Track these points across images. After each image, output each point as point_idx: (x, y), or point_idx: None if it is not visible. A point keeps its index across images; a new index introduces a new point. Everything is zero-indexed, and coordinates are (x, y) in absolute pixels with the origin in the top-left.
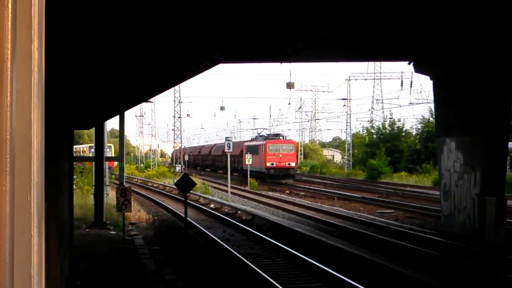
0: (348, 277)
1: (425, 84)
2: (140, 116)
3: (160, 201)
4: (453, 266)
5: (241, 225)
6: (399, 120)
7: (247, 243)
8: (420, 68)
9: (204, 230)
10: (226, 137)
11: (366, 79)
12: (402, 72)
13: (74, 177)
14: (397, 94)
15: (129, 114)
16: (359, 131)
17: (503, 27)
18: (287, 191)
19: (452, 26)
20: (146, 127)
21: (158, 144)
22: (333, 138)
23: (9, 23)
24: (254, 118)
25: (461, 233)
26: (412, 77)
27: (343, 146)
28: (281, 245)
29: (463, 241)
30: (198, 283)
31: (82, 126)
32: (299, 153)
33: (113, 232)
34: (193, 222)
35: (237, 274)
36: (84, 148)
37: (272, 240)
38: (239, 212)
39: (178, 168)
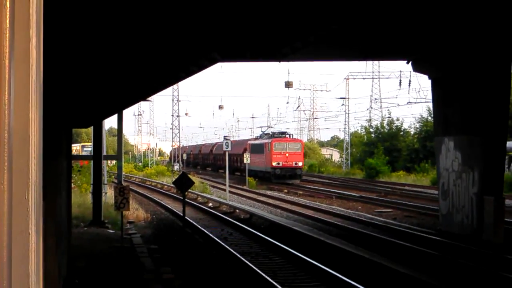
0: (346, 276)
1: (423, 83)
2: (139, 114)
3: (158, 200)
4: (451, 265)
5: (239, 224)
6: (397, 119)
7: (245, 242)
8: (418, 67)
9: (202, 229)
10: (224, 136)
11: (364, 78)
12: (400, 71)
13: (73, 175)
14: (395, 93)
15: (128, 112)
16: (358, 130)
17: (502, 26)
18: (285, 190)
19: (450, 25)
20: (144, 125)
21: (156, 143)
22: (331, 137)
23: (7, 21)
24: (252, 117)
25: (459, 232)
26: (410, 76)
27: (342, 145)
28: (279, 244)
29: (461, 241)
30: (196, 282)
31: (81, 125)
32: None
33: (111, 231)
34: (191, 221)
35: (235, 273)
36: (78, 147)
37: (270, 239)
38: (237, 211)
39: (176, 167)
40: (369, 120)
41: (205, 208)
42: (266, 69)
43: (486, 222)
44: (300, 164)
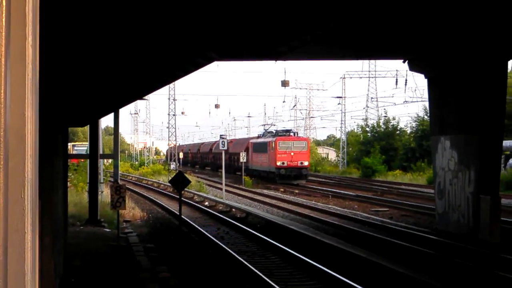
0: (342, 275)
1: (419, 82)
2: (135, 113)
3: (154, 199)
4: (447, 264)
5: (236, 223)
6: (393, 119)
7: (242, 241)
8: (415, 67)
9: (198, 227)
10: (220, 135)
11: (361, 77)
12: (397, 70)
13: (69, 174)
14: (392, 93)
15: (124, 111)
16: (354, 129)
17: (498, 26)
18: (282, 189)
19: (447, 25)
20: (140, 124)
21: (152, 142)
22: (327, 136)
23: (3, 20)
24: (248, 116)
25: (456, 231)
26: (407, 76)
27: (338, 144)
28: (275, 243)
29: (458, 240)
30: (192, 280)
31: (77, 124)
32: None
33: (107, 230)
34: (188, 220)
35: (232, 271)
36: (69, 146)
37: (266, 238)
38: (233, 210)
39: (172, 166)
40: (366, 119)
41: (202, 207)
42: (263, 68)
43: (482, 221)
44: (306, 163)
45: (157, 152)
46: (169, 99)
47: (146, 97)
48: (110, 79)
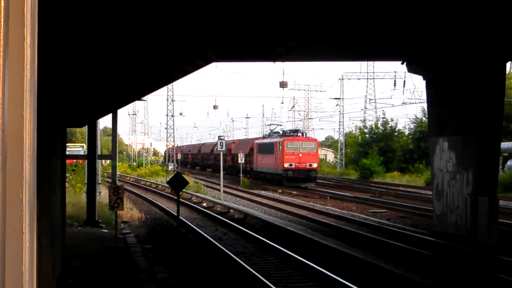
0: (340, 277)
1: (418, 84)
2: (133, 114)
3: (152, 200)
4: (445, 266)
5: (234, 224)
6: (392, 120)
7: (240, 242)
8: (413, 68)
9: (196, 228)
10: (219, 136)
11: (359, 79)
12: (395, 71)
13: (67, 175)
14: (390, 94)
15: (122, 112)
16: (352, 130)
17: (496, 28)
18: (280, 190)
19: (445, 26)
20: (139, 125)
21: (151, 143)
22: (326, 138)
23: (2, 20)
24: (247, 117)
25: (453, 233)
26: (405, 77)
27: (336, 145)
28: (273, 244)
29: (455, 241)
30: (190, 282)
31: (75, 124)
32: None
33: (105, 231)
34: (186, 221)
35: (230, 273)
36: None
37: (264, 239)
38: (231, 211)
39: (170, 167)
40: (364, 121)
41: (200, 208)
42: (261, 69)
43: (480, 223)
44: (315, 165)
45: (155, 153)
46: (167, 100)
47: (144, 98)
48: (109, 80)
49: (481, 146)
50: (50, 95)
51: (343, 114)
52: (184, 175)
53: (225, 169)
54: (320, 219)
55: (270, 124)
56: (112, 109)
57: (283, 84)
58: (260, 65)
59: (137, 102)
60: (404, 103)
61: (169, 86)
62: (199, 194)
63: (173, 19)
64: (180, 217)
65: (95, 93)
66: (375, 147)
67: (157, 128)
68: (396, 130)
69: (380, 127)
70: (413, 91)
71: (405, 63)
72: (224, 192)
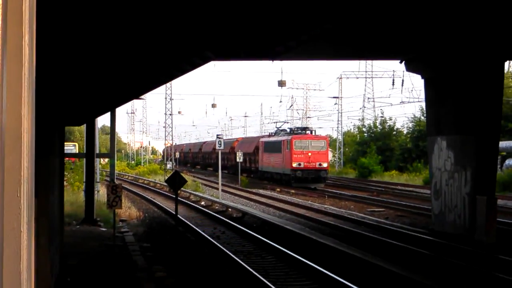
0: (338, 275)
1: (416, 83)
2: (132, 113)
3: (151, 198)
4: (443, 265)
5: (232, 222)
6: (390, 119)
7: (238, 241)
8: (411, 67)
9: (194, 227)
10: (217, 135)
11: (357, 78)
12: (393, 70)
13: (65, 173)
14: (388, 93)
15: (121, 111)
16: (350, 129)
17: (495, 27)
18: (278, 189)
19: (444, 26)
20: (137, 124)
21: (149, 141)
22: None
23: (0, 18)
24: (245, 116)
25: (452, 232)
26: (403, 76)
27: (334, 144)
28: (271, 242)
29: (454, 240)
30: (188, 280)
31: (73, 123)
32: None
33: (103, 229)
34: (184, 219)
35: (228, 271)
36: None
37: (262, 238)
38: (229, 209)
39: (169, 166)
40: (362, 120)
41: (198, 206)
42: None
43: (479, 222)
44: (325, 165)
45: (153, 152)
46: (165, 98)
47: (142, 96)
48: (107, 79)
49: (480, 145)
50: (48, 94)
51: (341, 113)
52: (182, 174)
53: (228, 168)
54: (318, 217)
55: (277, 122)
56: (111, 107)
57: (281, 83)
58: (258, 64)
59: (135, 101)
60: (402, 102)
61: (168, 84)
62: (197, 193)
63: (171, 18)
64: (178, 216)
65: (94, 91)
66: (374, 146)
67: (155, 127)
68: (395, 129)
69: (379, 126)
70: (412, 90)
71: (403, 62)
72: (223, 191)
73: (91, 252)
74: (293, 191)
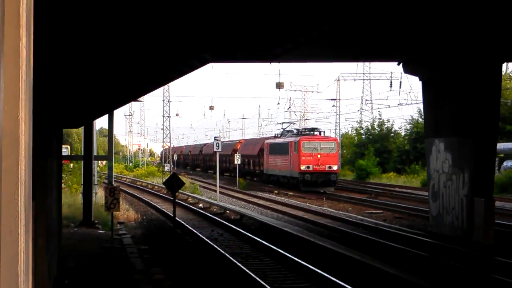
0: (336, 277)
1: (414, 84)
2: (129, 115)
3: (148, 201)
4: (441, 267)
5: (230, 224)
6: (388, 121)
7: (236, 243)
8: (409, 69)
9: (192, 229)
10: (215, 137)
11: (355, 80)
12: (391, 72)
13: (63, 176)
14: (386, 95)
15: (118, 113)
16: (348, 131)
17: (492, 28)
18: (276, 191)
19: (441, 27)
20: (135, 126)
21: (147, 144)
22: None
23: None
24: (243, 118)
25: (450, 234)
26: (401, 78)
27: None
28: (269, 245)
29: (452, 242)
30: (186, 282)
31: (71, 125)
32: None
33: (101, 231)
34: (182, 222)
35: (226, 273)
36: None
37: (260, 240)
38: (227, 211)
39: (167, 168)
40: (360, 122)
41: (196, 209)
42: (257, 70)
43: (477, 224)
44: (335, 168)
45: (151, 154)
46: (163, 100)
47: (140, 98)
48: (105, 81)
49: (477, 147)
50: (46, 96)
51: (339, 115)
52: (180, 176)
53: (230, 171)
54: (316, 219)
55: (283, 123)
56: (108, 110)
57: (279, 85)
58: (256, 66)
59: (133, 103)
60: (400, 104)
61: (165, 87)
62: (195, 195)
63: (169, 20)
64: (176, 218)
65: (91, 94)
66: (371, 148)
67: (153, 129)
68: (392, 131)
69: (376, 128)
70: (409, 92)
71: (401, 64)
72: (221, 193)
73: (89, 254)
74: (291, 193)
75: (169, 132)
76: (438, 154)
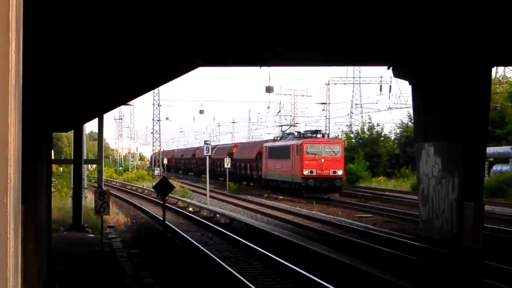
0: (326, 281)
1: (404, 89)
2: (119, 119)
3: (138, 204)
4: (431, 270)
5: (220, 228)
6: (378, 125)
7: (225, 247)
8: (399, 73)
9: (182, 233)
10: (205, 141)
11: (345, 84)
12: (381, 76)
13: (53, 179)
14: (376, 99)
15: (108, 116)
16: (338, 135)
17: (482, 33)
18: (266, 195)
19: (431, 32)
20: (125, 130)
21: (137, 147)
22: None
23: None
24: (233, 122)
25: (439, 238)
26: (391, 82)
27: None
28: (259, 249)
29: (441, 246)
30: (176, 286)
31: (61, 129)
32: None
33: (91, 235)
34: (172, 226)
35: (215, 277)
36: None
37: (250, 244)
38: (217, 215)
39: (156, 172)
40: (350, 125)
41: (186, 212)
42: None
43: (466, 228)
44: (340, 172)
45: (141, 158)
46: (153, 104)
47: (130, 102)
48: (95, 85)
49: (467, 151)
50: (35, 100)
51: (329, 119)
52: (170, 180)
53: (224, 176)
54: (306, 223)
55: (282, 125)
56: (98, 113)
57: (269, 89)
58: (246, 70)
59: (123, 107)
60: (390, 108)
61: (155, 90)
62: (185, 199)
63: (159, 24)
64: (166, 222)
65: (81, 97)
66: (361, 152)
67: (143, 133)
68: (382, 135)
69: (366, 132)
70: (399, 96)
71: (391, 68)
72: (211, 197)
73: (78, 258)
74: (281, 197)
75: (159, 136)
76: (428, 158)
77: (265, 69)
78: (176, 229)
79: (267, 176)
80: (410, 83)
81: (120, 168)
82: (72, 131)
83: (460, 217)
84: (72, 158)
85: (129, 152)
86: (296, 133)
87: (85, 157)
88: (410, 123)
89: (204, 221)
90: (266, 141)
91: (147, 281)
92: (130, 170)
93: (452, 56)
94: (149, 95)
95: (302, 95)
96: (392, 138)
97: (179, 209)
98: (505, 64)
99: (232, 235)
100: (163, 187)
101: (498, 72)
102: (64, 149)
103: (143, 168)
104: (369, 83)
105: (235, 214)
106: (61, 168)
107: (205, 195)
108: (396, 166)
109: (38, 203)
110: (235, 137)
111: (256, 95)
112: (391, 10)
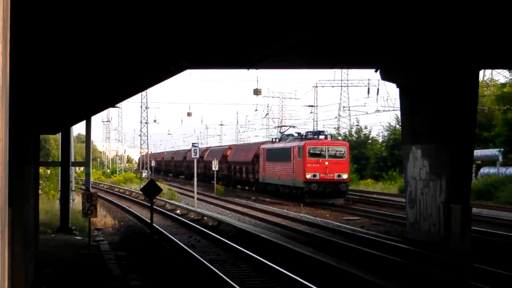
0: (314, 284)
1: (391, 91)
2: (107, 121)
3: (126, 207)
4: (418, 273)
5: (207, 231)
6: (365, 127)
7: (213, 250)
8: (387, 76)
9: (170, 236)
10: (192, 143)
11: (333, 86)
12: (369, 79)
13: (40, 182)
14: (364, 102)
15: (96, 119)
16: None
17: (469, 36)
18: (253, 198)
19: (418, 35)
20: (113, 132)
21: (124, 150)
22: None
23: None
24: (221, 124)
25: (427, 240)
26: (379, 85)
27: None
28: (247, 251)
29: (428, 249)
30: None
31: (49, 131)
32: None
33: (78, 238)
34: (159, 228)
35: (203, 280)
36: None
37: (238, 247)
38: (205, 218)
39: (144, 174)
40: (338, 128)
41: (173, 215)
42: (235, 76)
43: (453, 231)
44: (345, 176)
45: (129, 160)
46: (141, 107)
47: (118, 104)
48: (82, 87)
49: (454, 154)
50: (23, 102)
51: (317, 121)
52: (158, 183)
53: (218, 179)
54: (294, 226)
55: (281, 126)
56: (86, 116)
57: (257, 92)
58: (234, 73)
59: (111, 109)
60: (377, 110)
61: (143, 93)
62: (173, 201)
63: (147, 26)
64: (154, 224)
65: (69, 100)
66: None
67: (131, 135)
68: (370, 137)
69: (354, 135)
70: (387, 99)
71: (379, 71)
72: (198, 199)
73: (66, 260)
74: (268, 199)
75: (147, 138)
76: (415, 161)
77: (253, 72)
78: (164, 232)
79: (265, 179)
80: (397, 86)
81: (108, 170)
82: (60, 133)
83: (448, 219)
84: (60, 160)
85: (116, 155)
86: (296, 134)
87: (72, 160)
88: (397, 126)
89: (192, 223)
90: (264, 142)
91: (135, 284)
92: (118, 172)
93: (439, 59)
94: (137, 98)
95: (290, 98)
96: (380, 140)
97: (167, 212)
98: (493, 67)
99: (220, 237)
100: (150, 190)
101: (485, 75)
102: (52, 152)
103: (130, 170)
104: (357, 86)
105: (223, 216)
106: (49, 171)
107: (193, 197)
108: (383, 169)
109: (26, 205)
110: (223, 139)
111: (244, 97)
112: (379, 13)
